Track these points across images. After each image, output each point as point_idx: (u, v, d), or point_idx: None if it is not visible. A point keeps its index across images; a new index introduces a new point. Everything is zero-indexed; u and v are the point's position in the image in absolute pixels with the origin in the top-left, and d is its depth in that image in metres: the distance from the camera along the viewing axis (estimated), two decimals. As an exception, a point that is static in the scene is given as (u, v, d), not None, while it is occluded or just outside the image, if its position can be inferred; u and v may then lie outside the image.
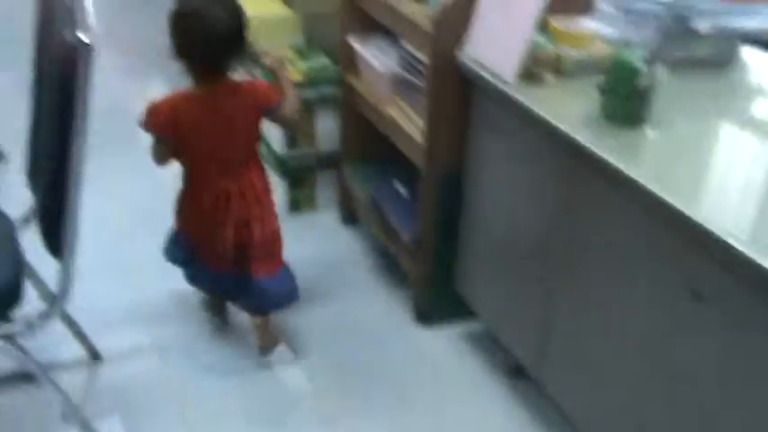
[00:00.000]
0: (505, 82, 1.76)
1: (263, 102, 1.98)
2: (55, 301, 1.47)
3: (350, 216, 2.69)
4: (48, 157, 1.43)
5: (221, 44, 1.87)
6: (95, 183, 2.52)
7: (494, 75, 1.79)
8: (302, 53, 2.75)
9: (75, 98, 1.31)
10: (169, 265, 2.18)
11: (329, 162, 2.67)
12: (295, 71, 2.61)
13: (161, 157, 1.97)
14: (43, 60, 1.49)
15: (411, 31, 2.05)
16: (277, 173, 2.67)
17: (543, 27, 1.82)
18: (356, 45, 2.36)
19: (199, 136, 1.94)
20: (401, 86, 2.19)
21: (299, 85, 2.54)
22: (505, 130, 1.84)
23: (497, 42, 1.80)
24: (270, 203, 2.08)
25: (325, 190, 2.75)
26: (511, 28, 1.77)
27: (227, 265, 2.07)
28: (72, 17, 1.33)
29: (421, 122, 2.07)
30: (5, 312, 1.44)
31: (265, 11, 3.00)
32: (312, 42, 2.87)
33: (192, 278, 2.21)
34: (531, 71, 1.78)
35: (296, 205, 2.73)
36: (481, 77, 1.83)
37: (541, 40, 1.79)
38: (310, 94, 2.57)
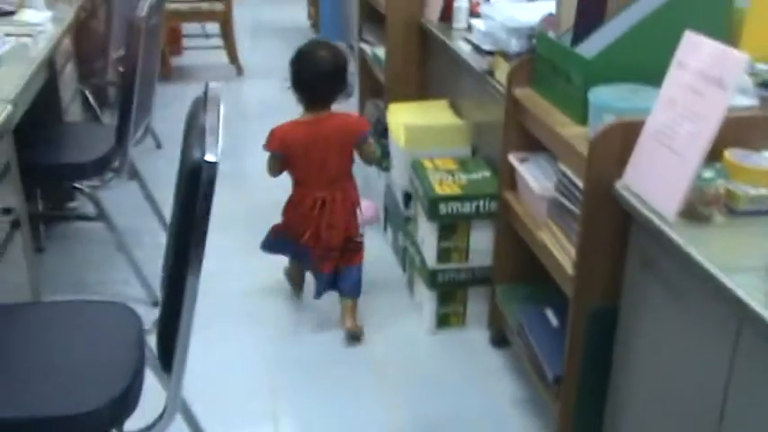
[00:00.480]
0: (665, 220, 1.57)
1: (354, 130, 2.48)
2: (159, 420, 1.45)
3: (500, 338, 2.52)
4: (168, 271, 1.43)
5: (325, 79, 2.41)
6: (227, 273, 2.68)
7: (652, 210, 1.61)
8: (465, 164, 2.68)
9: (196, 217, 1.31)
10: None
11: (482, 278, 2.54)
12: (455, 183, 2.54)
13: (272, 169, 2.48)
14: (181, 175, 1.52)
15: (568, 153, 1.92)
16: (426, 285, 2.58)
17: (715, 159, 1.62)
18: (515, 162, 2.25)
19: (303, 153, 2.42)
20: (556, 210, 2.04)
21: (456, 198, 2.47)
22: (664, 271, 1.63)
23: (659, 174, 1.62)
24: (356, 213, 2.55)
25: (477, 306, 2.61)
26: (675, 160, 1.59)
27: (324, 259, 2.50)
28: (202, 137, 1.34)
29: (573, 250, 1.90)
30: (118, 423, 1.44)
31: (436, 118, 2.99)
32: (477, 153, 2.80)
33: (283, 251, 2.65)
34: (696, 209, 1.57)
35: (444, 321, 2.61)
36: (638, 211, 1.64)
37: (710, 174, 1.58)
38: (467, 207, 2.47)
